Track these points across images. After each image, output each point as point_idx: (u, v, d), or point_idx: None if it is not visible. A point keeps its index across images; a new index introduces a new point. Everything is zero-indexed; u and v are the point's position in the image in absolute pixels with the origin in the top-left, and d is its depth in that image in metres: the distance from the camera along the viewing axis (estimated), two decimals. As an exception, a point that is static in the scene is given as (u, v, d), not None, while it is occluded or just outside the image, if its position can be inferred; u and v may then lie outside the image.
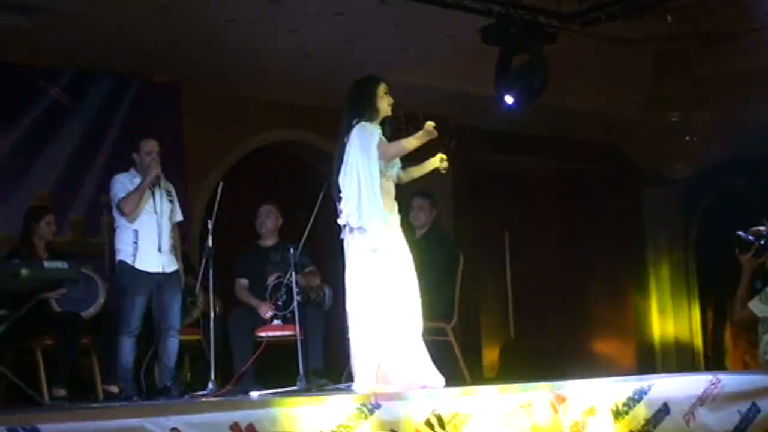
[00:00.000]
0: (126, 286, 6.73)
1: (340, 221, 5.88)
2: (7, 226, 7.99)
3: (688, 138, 9.73)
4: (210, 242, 6.79)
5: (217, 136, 9.67)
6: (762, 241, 6.27)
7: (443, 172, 6.18)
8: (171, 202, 6.93)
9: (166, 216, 6.82)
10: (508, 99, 8.43)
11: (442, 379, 5.81)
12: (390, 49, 8.92)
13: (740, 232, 6.34)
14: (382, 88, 6.05)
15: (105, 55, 8.59)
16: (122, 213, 6.75)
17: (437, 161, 6.15)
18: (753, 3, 8.09)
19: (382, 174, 5.88)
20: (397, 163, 6.06)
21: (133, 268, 6.70)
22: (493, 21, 8.29)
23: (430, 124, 5.88)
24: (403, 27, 8.53)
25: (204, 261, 6.83)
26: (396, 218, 5.95)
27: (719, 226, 6.59)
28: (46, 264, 6.17)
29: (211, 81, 9.34)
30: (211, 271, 6.77)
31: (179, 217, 7.03)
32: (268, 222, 7.60)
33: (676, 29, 8.88)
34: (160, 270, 6.73)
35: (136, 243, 6.71)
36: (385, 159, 5.90)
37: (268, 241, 7.62)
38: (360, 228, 5.78)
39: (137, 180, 6.80)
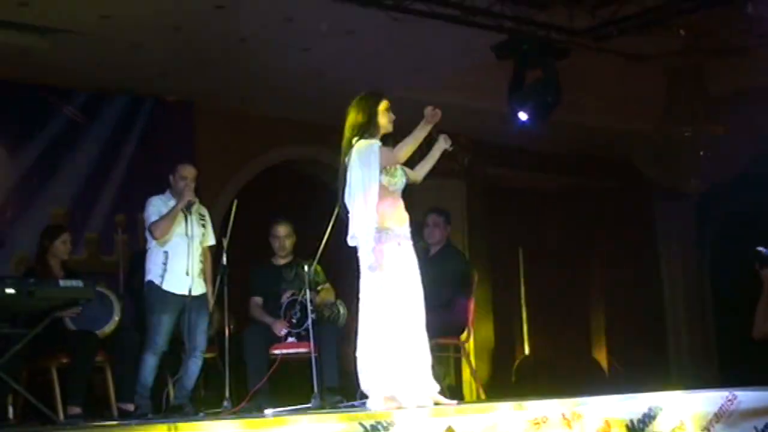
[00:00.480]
0: (153, 306, 6.78)
1: (350, 242, 5.85)
2: (23, 245, 8.03)
3: (701, 153, 9.71)
4: (224, 260, 6.80)
5: (230, 154, 9.71)
6: None
7: (450, 149, 6.03)
8: (203, 226, 6.96)
9: (197, 240, 6.86)
10: (522, 115, 8.44)
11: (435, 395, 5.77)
12: (402, 66, 8.94)
13: (760, 248, 6.32)
14: (382, 105, 5.99)
15: (119, 74, 8.64)
16: (152, 236, 6.79)
17: (442, 143, 6.02)
18: (765, 17, 8.08)
19: (387, 190, 5.82)
20: (401, 175, 5.95)
21: (160, 288, 6.74)
22: (505, 37, 8.30)
23: (428, 108, 5.80)
24: (415, 44, 8.55)
25: (218, 279, 6.85)
26: (405, 232, 5.89)
27: (734, 242, 6.58)
28: (62, 283, 6.19)
29: (224, 99, 9.38)
30: (225, 289, 6.78)
31: (212, 241, 7.07)
32: (287, 243, 7.60)
33: (689, 44, 8.88)
34: (186, 292, 6.75)
35: (165, 265, 6.76)
36: (395, 162, 5.82)
37: (282, 259, 7.62)
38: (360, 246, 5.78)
39: (171, 203, 6.85)
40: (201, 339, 6.81)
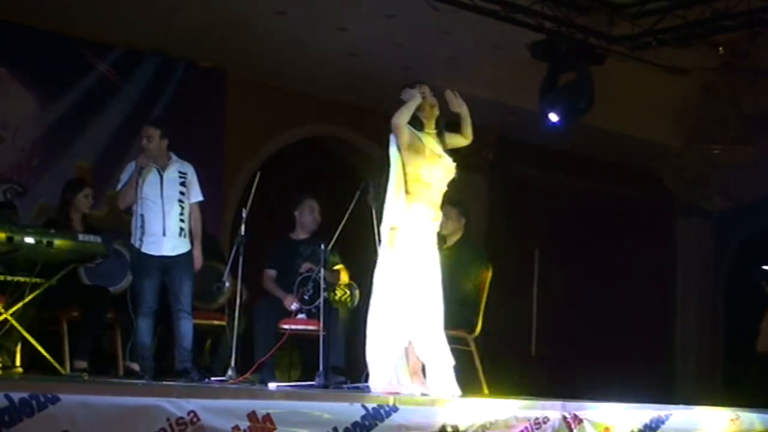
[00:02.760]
0: (135, 269, 6.81)
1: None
2: (46, 196, 8.09)
3: (728, 172, 9.68)
4: (242, 230, 6.80)
5: (258, 126, 9.72)
6: None
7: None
8: (183, 184, 6.88)
9: (173, 200, 6.79)
10: (553, 116, 8.43)
11: (450, 390, 5.77)
12: (437, 55, 8.94)
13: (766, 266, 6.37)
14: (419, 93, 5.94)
15: (155, 35, 8.67)
16: (117, 203, 6.81)
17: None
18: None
19: (419, 179, 5.84)
20: (439, 163, 5.92)
21: (139, 251, 6.75)
22: (543, 37, 8.29)
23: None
24: (453, 35, 8.54)
25: (235, 248, 6.85)
26: (433, 226, 5.91)
27: (752, 263, 6.60)
28: (81, 237, 6.22)
29: (257, 70, 9.39)
30: (241, 258, 6.79)
31: (197, 197, 6.94)
32: (318, 217, 7.54)
33: (727, 62, 8.85)
34: (165, 253, 6.74)
35: (142, 228, 6.74)
36: (402, 129, 5.79)
37: (301, 235, 7.61)
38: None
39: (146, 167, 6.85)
40: (186, 300, 6.78)
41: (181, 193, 6.85)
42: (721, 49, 8.57)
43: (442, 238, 7.70)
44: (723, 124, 9.60)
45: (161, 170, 6.79)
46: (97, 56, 8.68)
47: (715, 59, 8.88)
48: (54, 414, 3.83)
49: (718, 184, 9.81)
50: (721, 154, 9.58)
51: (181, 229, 6.82)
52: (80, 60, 8.59)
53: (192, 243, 6.91)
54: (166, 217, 6.74)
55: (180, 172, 6.88)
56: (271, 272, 7.52)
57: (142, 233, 6.73)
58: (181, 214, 6.83)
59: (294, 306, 7.19)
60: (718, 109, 9.59)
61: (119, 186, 6.86)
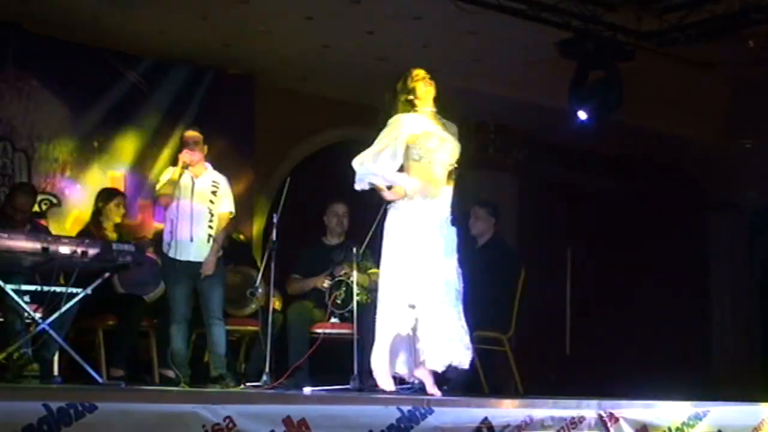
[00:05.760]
0: (166, 276, 6.85)
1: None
2: (80, 206, 8.16)
3: (761, 166, 9.61)
4: (274, 235, 6.82)
5: (287, 132, 9.75)
6: None
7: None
8: (214, 193, 6.93)
9: (203, 207, 6.85)
10: (582, 114, 8.40)
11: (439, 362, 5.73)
12: (465, 56, 8.94)
13: None
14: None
15: (183, 44, 8.71)
16: (158, 203, 6.84)
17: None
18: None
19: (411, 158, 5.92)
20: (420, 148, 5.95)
21: (168, 257, 6.79)
22: (570, 35, 8.26)
23: None
24: (480, 35, 8.53)
25: (267, 254, 6.87)
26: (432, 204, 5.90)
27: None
28: (114, 245, 6.26)
29: (284, 76, 9.42)
30: (273, 264, 6.82)
31: (226, 207, 6.98)
32: (346, 222, 7.57)
33: (757, 55, 8.77)
34: (192, 259, 6.78)
35: (171, 233, 6.78)
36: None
37: (333, 240, 7.62)
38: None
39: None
40: (216, 306, 6.82)
41: (211, 202, 6.89)
42: (751, 42, 8.49)
43: (472, 239, 7.73)
44: (754, 118, 9.52)
45: (194, 177, 6.85)
46: (127, 66, 8.75)
47: (744, 53, 8.80)
48: (92, 422, 3.85)
49: (750, 179, 9.71)
50: (753, 148, 9.50)
51: (210, 236, 6.86)
52: (110, 70, 8.66)
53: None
54: (194, 223, 6.78)
55: (213, 182, 6.94)
56: (297, 277, 7.51)
57: (171, 238, 6.78)
58: (210, 221, 6.87)
59: (327, 282, 7.18)
60: (749, 103, 9.51)
61: (157, 187, 6.89)
